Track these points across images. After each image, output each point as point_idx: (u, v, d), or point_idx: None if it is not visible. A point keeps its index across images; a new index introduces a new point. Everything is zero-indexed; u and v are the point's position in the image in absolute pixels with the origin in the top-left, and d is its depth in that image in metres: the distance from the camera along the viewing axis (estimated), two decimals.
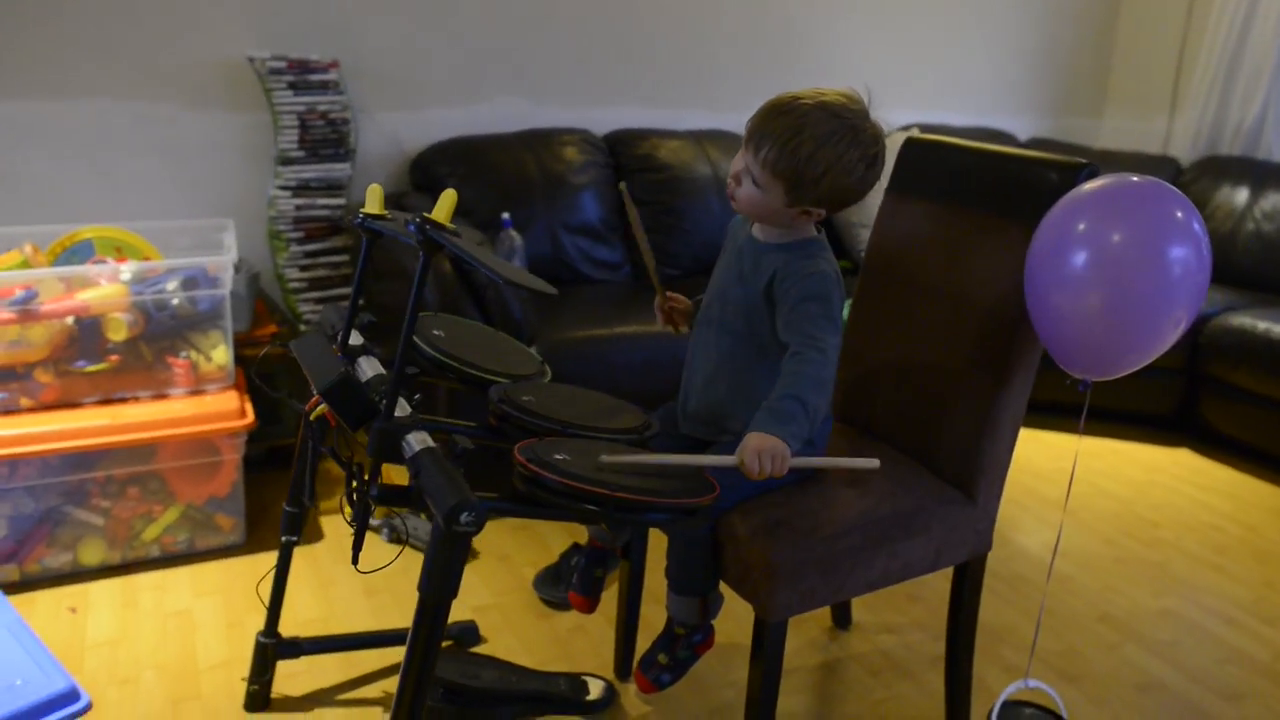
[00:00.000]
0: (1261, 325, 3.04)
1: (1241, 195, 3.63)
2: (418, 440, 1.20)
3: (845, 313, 1.93)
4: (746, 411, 1.50)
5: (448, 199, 1.20)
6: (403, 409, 1.32)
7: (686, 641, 1.61)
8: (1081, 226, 1.43)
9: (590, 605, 1.80)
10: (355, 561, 1.28)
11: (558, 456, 1.22)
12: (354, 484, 1.26)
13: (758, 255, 1.54)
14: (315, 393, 1.20)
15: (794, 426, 1.33)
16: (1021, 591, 2.33)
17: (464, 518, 1.07)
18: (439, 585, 1.12)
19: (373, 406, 1.23)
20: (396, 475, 2.45)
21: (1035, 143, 4.03)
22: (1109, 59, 4.42)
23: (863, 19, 3.76)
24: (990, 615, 2.23)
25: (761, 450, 1.29)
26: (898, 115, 3.84)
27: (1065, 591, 2.36)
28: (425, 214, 1.17)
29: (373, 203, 1.41)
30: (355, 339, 1.54)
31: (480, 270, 1.15)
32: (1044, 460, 3.10)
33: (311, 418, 1.35)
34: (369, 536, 2.44)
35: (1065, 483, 2.96)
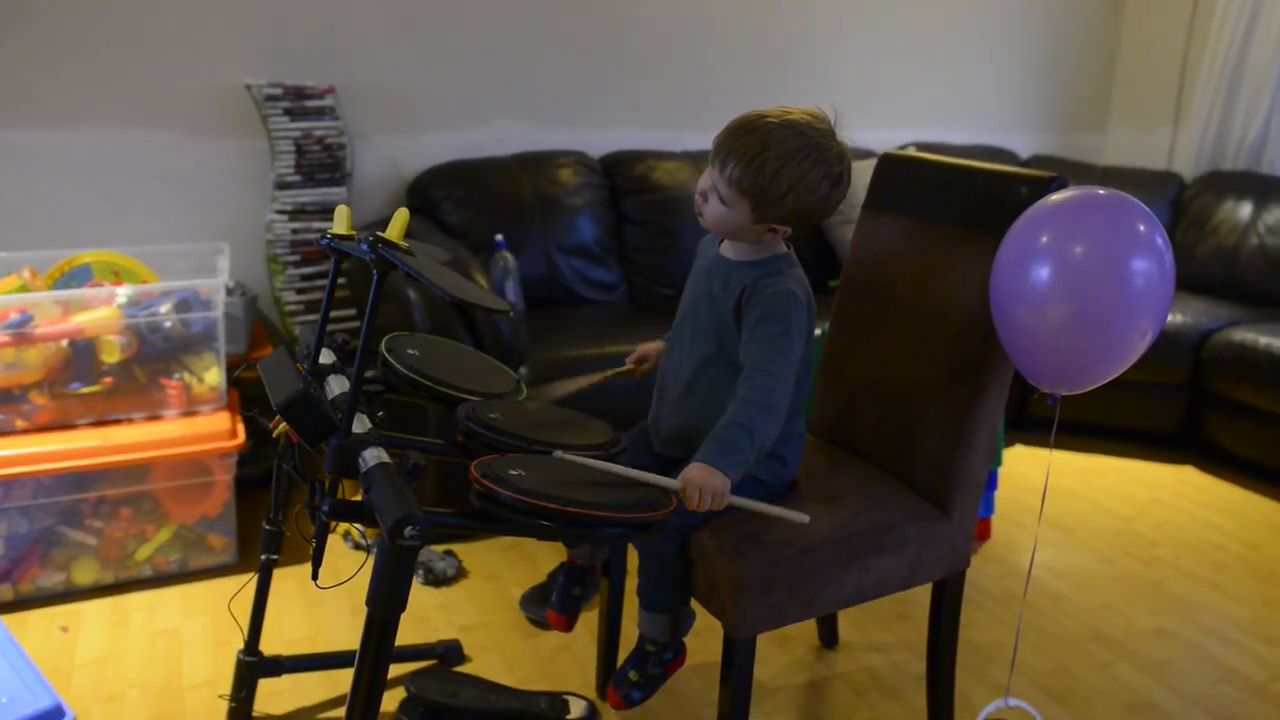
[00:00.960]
0: (1264, 340, 3.00)
1: (1245, 210, 3.60)
2: (373, 456, 1.22)
3: (824, 329, 1.93)
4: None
5: (399, 218, 1.22)
6: (365, 426, 1.34)
7: (658, 659, 1.61)
8: (1044, 239, 1.43)
9: (568, 624, 1.80)
10: (315, 577, 1.29)
11: (513, 472, 1.23)
12: (314, 500, 1.28)
13: (727, 273, 1.54)
14: (274, 409, 1.22)
15: (737, 457, 1.35)
16: (1013, 610, 2.31)
17: (408, 531, 1.08)
18: (386, 599, 1.13)
19: (331, 423, 1.24)
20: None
21: (1037, 160, 4.02)
22: (1111, 75, 4.41)
23: (861, 37, 3.78)
24: (980, 634, 2.21)
25: (704, 487, 1.30)
26: (897, 134, 3.85)
27: (1059, 611, 2.33)
28: (378, 233, 1.19)
29: (340, 224, 1.43)
30: (327, 358, 1.56)
31: (430, 288, 1.16)
32: (1042, 479, 3.06)
33: (274, 434, 1.37)
34: (359, 556, 2.46)
35: (1067, 501, 2.93)
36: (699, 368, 1.57)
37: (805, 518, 1.37)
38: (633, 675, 1.62)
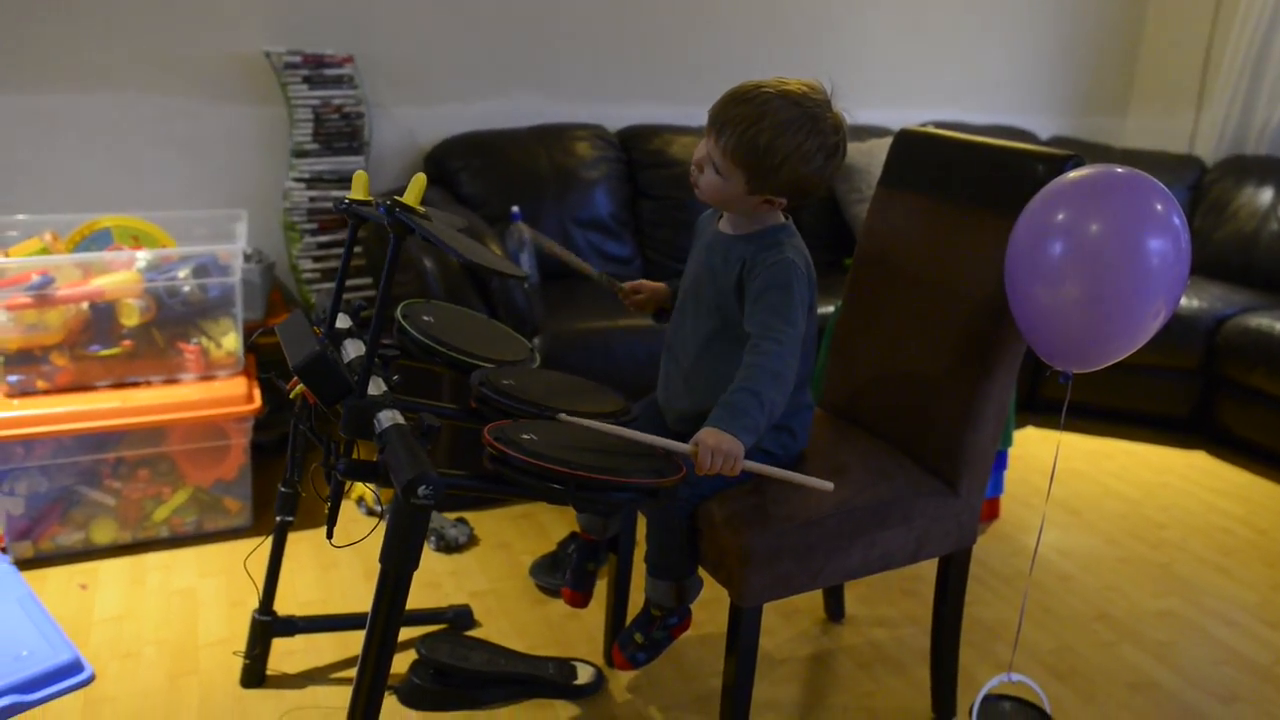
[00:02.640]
0: (1279, 326, 2.99)
1: (1266, 195, 3.58)
2: (388, 417, 1.24)
3: (836, 306, 1.93)
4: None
5: (417, 183, 1.23)
6: (380, 389, 1.35)
7: (662, 623, 1.63)
8: (1060, 217, 1.43)
9: (583, 600, 1.82)
10: (330, 535, 1.31)
11: (525, 436, 1.25)
12: (330, 460, 1.30)
13: (726, 248, 1.54)
14: (291, 371, 1.24)
15: (747, 420, 1.34)
16: (1018, 589, 2.32)
17: (422, 490, 1.10)
18: (399, 556, 1.15)
19: (347, 384, 1.26)
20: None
21: (1056, 141, 4.00)
22: (1134, 57, 4.36)
23: (882, 16, 3.75)
24: (986, 611, 2.22)
25: (716, 449, 1.30)
26: (916, 114, 3.83)
27: (1064, 590, 2.34)
28: (396, 197, 1.21)
29: (358, 188, 1.44)
30: (344, 322, 1.58)
31: (445, 251, 1.17)
32: (1051, 461, 3.06)
33: (291, 396, 1.39)
34: (372, 522, 2.49)
35: (1076, 483, 2.93)
36: (704, 344, 1.57)
37: (829, 485, 1.37)
38: (638, 637, 1.64)
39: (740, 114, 1.41)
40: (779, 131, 1.39)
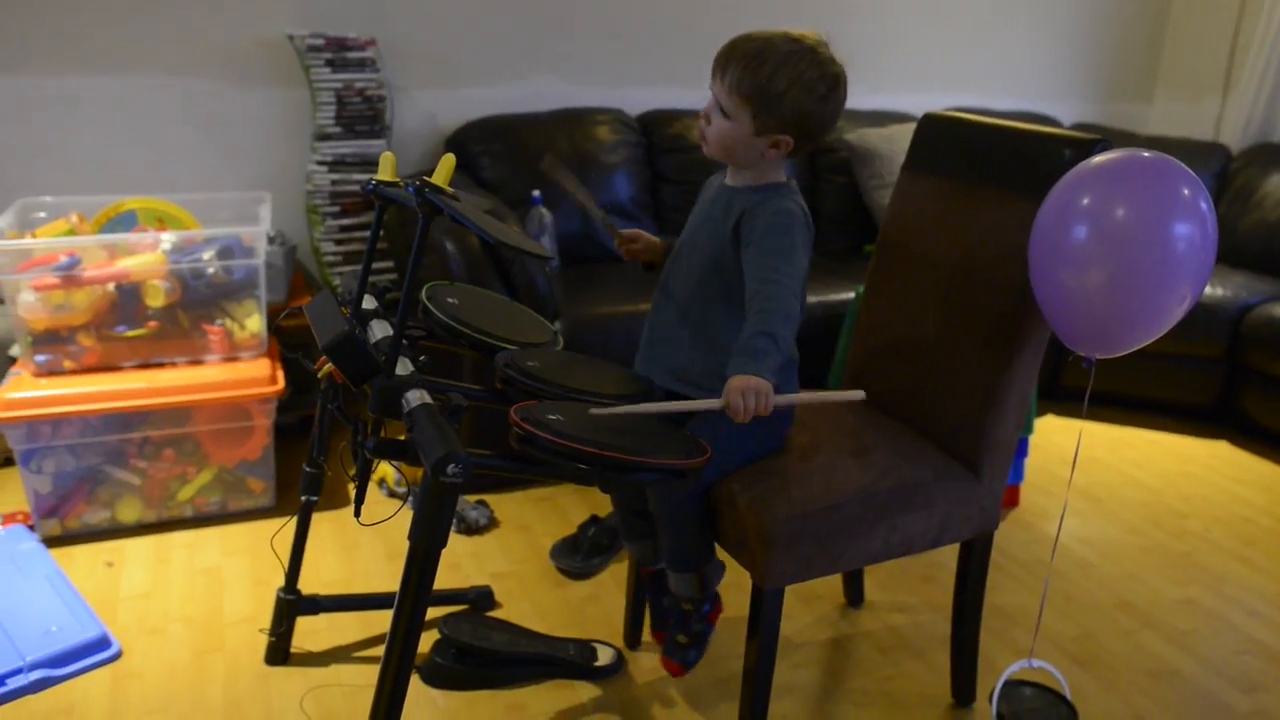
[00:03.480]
0: None
1: None
2: (416, 397, 1.25)
3: (858, 291, 1.93)
4: (707, 357, 1.51)
5: (446, 163, 1.23)
6: (407, 369, 1.36)
7: (698, 614, 1.65)
8: (1086, 201, 1.42)
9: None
10: (357, 514, 1.32)
11: (551, 417, 1.25)
12: (359, 439, 1.31)
13: (728, 199, 1.56)
14: (320, 350, 1.25)
15: (768, 361, 1.35)
16: (1039, 576, 2.32)
17: (451, 469, 1.11)
18: (428, 534, 1.16)
19: (375, 364, 1.27)
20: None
21: (1080, 127, 3.96)
22: (1160, 42, 4.32)
23: (905, 1, 3.73)
24: (1006, 598, 2.22)
25: (745, 390, 1.30)
26: (939, 99, 3.80)
27: (1085, 578, 2.34)
28: (425, 178, 1.21)
29: (385, 170, 1.45)
30: (369, 304, 1.59)
31: (475, 232, 1.18)
32: (1073, 449, 3.06)
33: (319, 375, 1.41)
34: (395, 504, 2.51)
35: (1097, 472, 2.92)
36: (697, 287, 1.57)
37: (860, 394, 1.39)
38: (681, 638, 1.65)
39: (743, 51, 1.45)
40: (781, 62, 1.43)
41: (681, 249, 1.63)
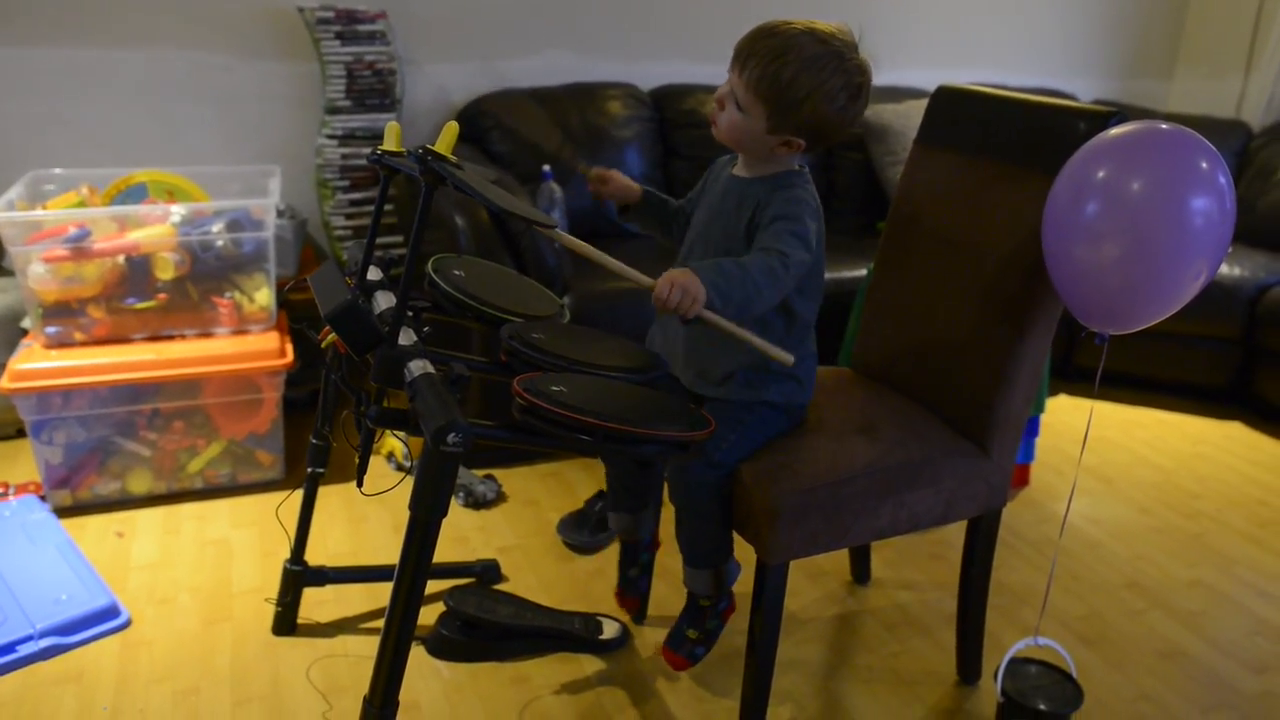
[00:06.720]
0: None
1: None
2: (418, 366, 1.24)
3: (869, 269, 1.91)
4: (725, 355, 1.49)
5: (449, 131, 1.22)
6: (411, 339, 1.36)
7: (713, 611, 1.65)
8: (1101, 174, 1.40)
9: (635, 605, 1.93)
10: (360, 484, 1.32)
11: (554, 388, 1.25)
12: (361, 408, 1.31)
13: (741, 191, 1.53)
14: (323, 320, 1.24)
15: (721, 281, 1.33)
16: (1047, 555, 2.30)
17: (451, 438, 1.10)
18: (428, 503, 1.16)
19: (379, 334, 1.27)
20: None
21: (1098, 104, 3.89)
22: (1181, 19, 4.24)
23: None
24: (1013, 577, 2.21)
25: (677, 283, 1.28)
26: (956, 74, 3.75)
27: (1094, 557, 2.32)
28: (428, 146, 1.20)
29: (390, 140, 1.44)
30: (375, 274, 1.58)
31: (477, 199, 1.17)
32: (1084, 429, 3.03)
33: (323, 345, 1.40)
34: (399, 476, 2.51)
35: (1109, 452, 2.90)
36: None
37: (790, 357, 1.38)
38: (691, 633, 1.65)
39: (766, 47, 1.40)
40: (804, 67, 1.38)
41: (694, 244, 1.61)
